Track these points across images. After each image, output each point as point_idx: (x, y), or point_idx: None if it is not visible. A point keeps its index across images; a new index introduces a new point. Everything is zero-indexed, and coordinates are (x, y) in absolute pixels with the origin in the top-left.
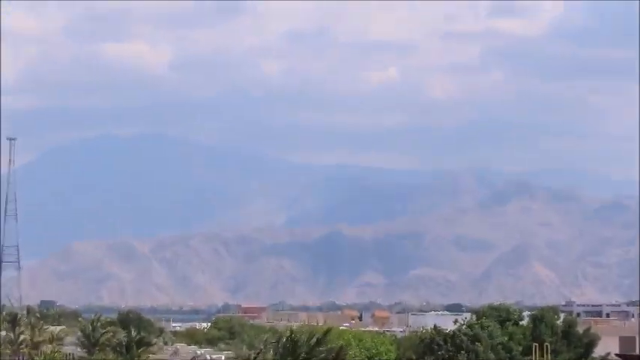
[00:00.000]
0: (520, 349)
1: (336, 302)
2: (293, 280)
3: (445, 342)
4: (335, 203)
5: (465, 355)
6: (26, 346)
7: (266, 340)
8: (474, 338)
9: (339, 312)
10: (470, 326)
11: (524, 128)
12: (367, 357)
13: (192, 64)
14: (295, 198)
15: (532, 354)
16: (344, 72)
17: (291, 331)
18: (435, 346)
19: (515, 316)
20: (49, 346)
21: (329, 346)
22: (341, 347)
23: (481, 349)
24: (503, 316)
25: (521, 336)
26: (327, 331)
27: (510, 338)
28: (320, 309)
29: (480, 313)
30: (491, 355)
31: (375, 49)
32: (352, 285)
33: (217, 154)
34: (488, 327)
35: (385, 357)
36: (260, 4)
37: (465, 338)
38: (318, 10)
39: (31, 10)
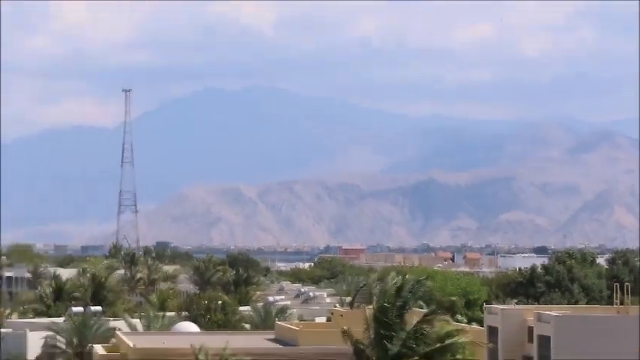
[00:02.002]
0: (604, 289)
1: (430, 244)
2: (390, 224)
3: (531, 282)
4: (430, 151)
5: (559, 293)
6: (143, 284)
7: (369, 280)
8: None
9: (433, 254)
10: (550, 267)
11: (608, 82)
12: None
13: (294, 23)
14: (392, 146)
15: (613, 293)
16: (437, 29)
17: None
18: (521, 288)
19: (590, 259)
20: (164, 283)
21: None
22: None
23: (576, 289)
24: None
25: (596, 279)
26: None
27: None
28: (415, 251)
29: (559, 257)
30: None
31: (467, 8)
32: (446, 228)
33: (318, 105)
34: (572, 268)
35: (476, 296)
36: None
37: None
38: None
39: None
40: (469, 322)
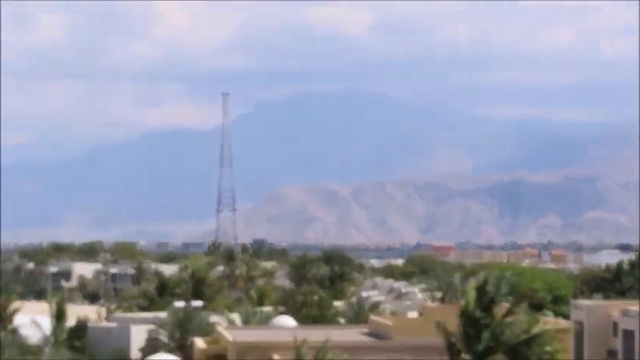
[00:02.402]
0: None
1: (518, 242)
2: (479, 222)
3: (618, 278)
4: (516, 152)
5: None
6: (242, 280)
7: (459, 276)
8: None
9: (520, 251)
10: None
11: None
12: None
13: (387, 26)
14: (480, 147)
15: None
16: (522, 32)
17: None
18: (607, 284)
19: None
20: (262, 279)
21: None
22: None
23: None
24: None
25: None
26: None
27: None
28: (503, 248)
29: None
30: None
31: (554, 12)
32: (533, 226)
33: (408, 108)
34: None
35: (563, 292)
36: None
37: None
38: None
39: None
40: (556, 317)
